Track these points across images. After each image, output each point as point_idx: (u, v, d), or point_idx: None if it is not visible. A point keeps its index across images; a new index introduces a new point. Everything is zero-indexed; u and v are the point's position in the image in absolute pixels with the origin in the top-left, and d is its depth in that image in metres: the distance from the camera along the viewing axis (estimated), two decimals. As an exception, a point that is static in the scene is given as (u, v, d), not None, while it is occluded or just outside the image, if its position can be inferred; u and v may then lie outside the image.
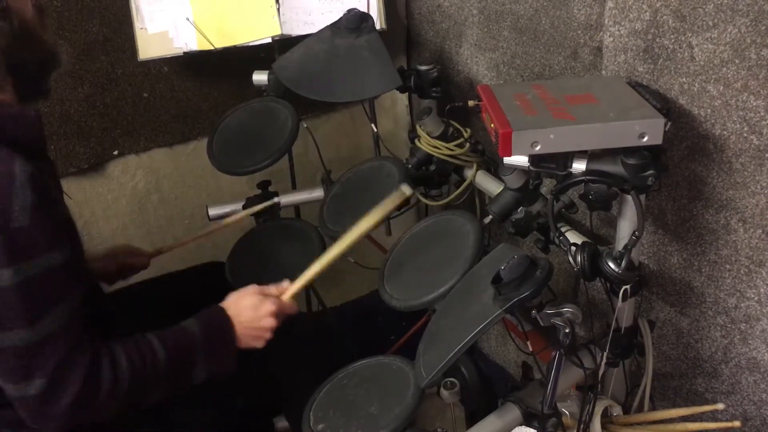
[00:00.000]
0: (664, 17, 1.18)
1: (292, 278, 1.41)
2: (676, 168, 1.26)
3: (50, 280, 1.01)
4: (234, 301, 1.23)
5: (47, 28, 1.13)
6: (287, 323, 1.26)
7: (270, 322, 1.21)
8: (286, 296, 1.27)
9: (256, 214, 1.76)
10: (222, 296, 1.28)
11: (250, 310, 1.21)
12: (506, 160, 1.14)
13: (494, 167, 1.60)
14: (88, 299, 1.12)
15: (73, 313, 1.03)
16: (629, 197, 1.14)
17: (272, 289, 1.27)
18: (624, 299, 1.17)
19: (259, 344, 1.22)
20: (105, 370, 1.05)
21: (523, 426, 1.19)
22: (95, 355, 1.05)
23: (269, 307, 1.22)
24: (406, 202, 1.37)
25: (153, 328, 1.17)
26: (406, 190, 1.32)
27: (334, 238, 1.56)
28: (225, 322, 1.20)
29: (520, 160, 1.14)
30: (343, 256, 1.32)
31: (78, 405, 1.02)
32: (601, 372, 1.24)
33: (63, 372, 1.01)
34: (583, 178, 1.13)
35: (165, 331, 1.14)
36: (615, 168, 1.12)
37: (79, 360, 1.03)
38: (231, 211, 1.78)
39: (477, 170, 1.60)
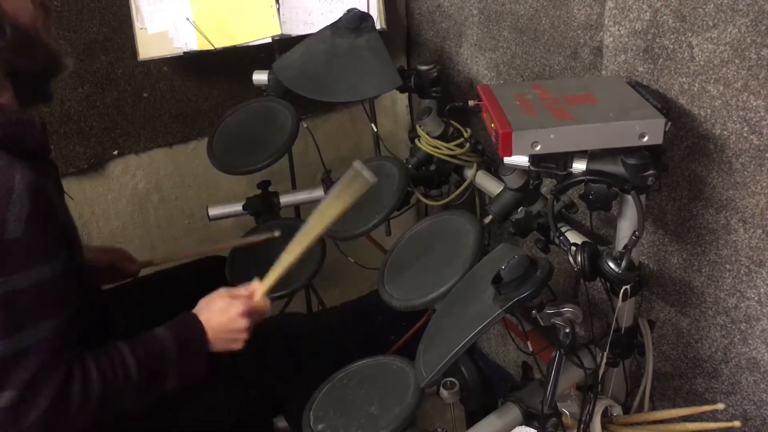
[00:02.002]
0: (664, 17, 1.18)
1: (291, 279, 1.41)
2: (676, 168, 1.26)
3: (38, 294, 0.99)
4: (204, 306, 1.21)
5: (50, 32, 1.11)
6: (269, 323, 1.25)
7: (242, 323, 1.19)
8: (257, 295, 1.24)
9: (256, 214, 1.76)
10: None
11: (221, 313, 1.19)
12: (506, 160, 1.14)
13: (494, 167, 1.60)
14: (86, 303, 1.12)
15: (58, 328, 1.01)
16: (629, 197, 1.14)
17: (241, 290, 1.24)
18: (624, 299, 1.18)
19: (237, 346, 1.20)
20: (76, 385, 1.02)
21: (523, 426, 1.19)
22: (68, 371, 1.02)
23: (239, 307, 1.19)
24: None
25: (152, 323, 1.16)
26: (369, 177, 1.23)
27: (334, 238, 1.56)
28: (197, 329, 1.18)
29: (520, 160, 1.14)
30: (308, 250, 1.28)
31: (47, 420, 1.00)
32: (601, 372, 1.24)
33: (34, 387, 0.99)
34: (583, 178, 1.13)
35: (136, 341, 1.12)
36: (615, 168, 1.12)
37: (52, 376, 1.00)
38: (231, 211, 1.78)
39: (477, 170, 1.60)
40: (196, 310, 1.21)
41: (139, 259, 1.52)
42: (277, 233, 1.52)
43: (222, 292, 1.22)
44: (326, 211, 1.26)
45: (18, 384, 0.98)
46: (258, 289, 1.25)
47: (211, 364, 1.19)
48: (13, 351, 0.97)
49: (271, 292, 1.26)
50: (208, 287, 1.28)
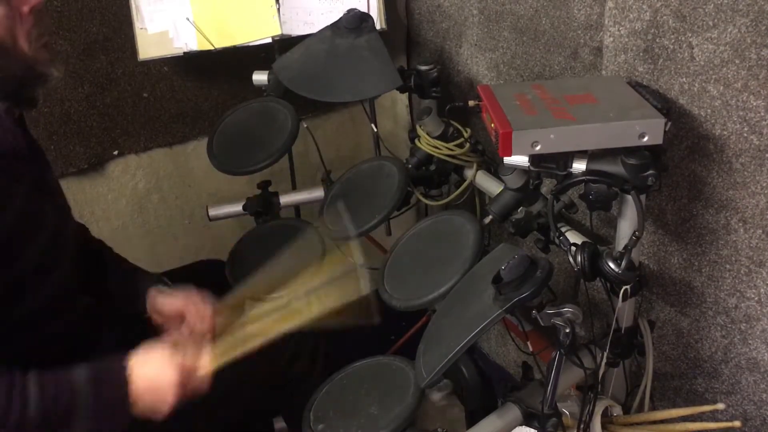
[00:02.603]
0: (664, 17, 1.18)
1: (291, 281, 1.40)
2: (676, 168, 1.26)
3: None
4: (140, 359, 1.06)
5: (37, 41, 1.05)
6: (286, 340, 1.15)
7: (170, 395, 1.05)
8: (201, 371, 1.09)
9: (256, 214, 1.76)
10: (220, 294, 1.27)
11: (153, 374, 1.05)
12: (506, 160, 1.14)
13: (494, 167, 1.60)
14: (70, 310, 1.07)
15: None
16: (629, 197, 1.14)
17: (187, 354, 1.09)
18: (624, 299, 1.17)
19: (157, 415, 1.05)
20: None
21: (523, 426, 1.19)
22: None
23: (173, 376, 1.05)
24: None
25: (149, 327, 1.15)
26: (363, 287, 1.14)
27: (334, 238, 1.56)
28: (120, 383, 1.03)
29: (520, 160, 1.14)
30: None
31: None
32: (601, 372, 1.24)
33: None
34: (583, 178, 1.13)
35: (46, 377, 0.99)
36: (615, 168, 1.12)
37: None
38: (231, 211, 1.78)
39: (477, 170, 1.60)
40: (129, 361, 1.06)
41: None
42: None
43: (164, 351, 1.08)
44: (313, 303, 1.16)
45: None
46: (205, 366, 1.11)
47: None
48: None
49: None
50: (206, 289, 1.28)
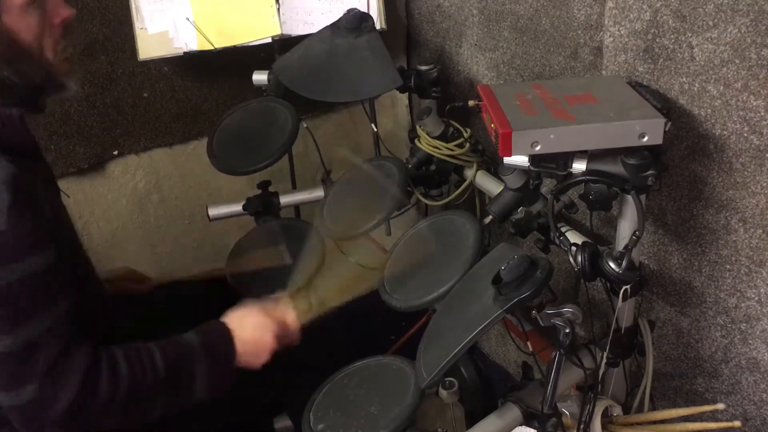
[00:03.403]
0: (664, 17, 1.18)
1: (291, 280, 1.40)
2: (676, 168, 1.26)
3: (32, 286, 0.98)
4: (237, 317, 1.21)
5: (62, 52, 1.10)
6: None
7: (271, 343, 1.20)
8: (290, 320, 1.25)
9: (256, 214, 1.76)
10: (224, 298, 1.27)
11: (253, 329, 1.19)
12: (506, 160, 1.14)
13: (494, 167, 1.60)
14: (87, 303, 1.11)
15: (60, 317, 1.01)
16: (629, 197, 1.14)
17: (275, 309, 1.24)
18: (624, 299, 1.17)
19: (257, 363, 1.20)
20: (103, 375, 1.03)
21: (523, 426, 1.19)
22: (93, 360, 1.02)
23: (273, 329, 1.20)
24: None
25: (155, 328, 1.16)
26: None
27: (334, 238, 1.56)
28: (226, 338, 1.18)
29: (520, 160, 1.14)
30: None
31: (74, 411, 1.00)
32: (601, 372, 1.24)
33: (55, 377, 0.99)
34: (583, 178, 1.13)
35: (166, 342, 1.12)
36: (615, 168, 1.12)
37: (75, 364, 1.01)
38: (231, 211, 1.77)
39: (477, 170, 1.60)
40: (227, 320, 1.20)
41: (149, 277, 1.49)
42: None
43: (256, 308, 1.23)
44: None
45: (38, 375, 0.98)
46: (293, 319, 1.25)
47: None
48: (21, 345, 0.97)
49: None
50: (212, 291, 1.28)
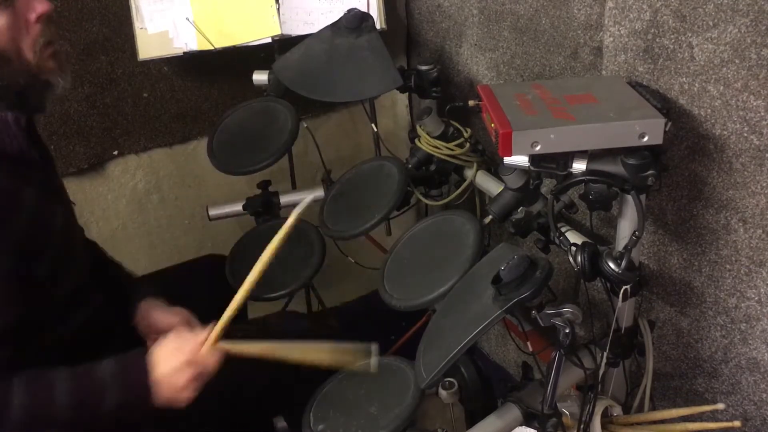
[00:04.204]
0: (664, 17, 1.18)
1: (291, 280, 1.40)
2: (676, 168, 1.26)
3: None
4: (155, 351, 1.12)
5: (35, 51, 1.04)
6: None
7: (185, 375, 1.09)
8: (204, 348, 1.13)
9: (256, 214, 1.76)
10: (221, 289, 1.26)
11: (167, 358, 1.10)
12: (506, 160, 1.14)
13: (494, 167, 1.60)
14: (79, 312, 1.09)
15: None
16: (629, 197, 1.14)
17: (192, 336, 1.14)
18: (624, 299, 1.17)
19: (181, 400, 1.10)
20: None
21: (523, 426, 1.19)
22: None
23: (184, 356, 1.10)
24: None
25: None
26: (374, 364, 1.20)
27: (334, 238, 1.56)
28: (142, 369, 1.09)
29: (520, 160, 1.14)
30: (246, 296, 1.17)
31: None
32: (601, 372, 1.24)
33: None
34: (583, 178, 1.13)
35: (75, 372, 1.05)
36: (615, 168, 1.12)
37: None
38: (231, 211, 1.78)
39: (477, 170, 1.60)
40: (148, 357, 1.11)
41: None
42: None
43: (171, 335, 1.14)
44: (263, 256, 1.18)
45: None
46: (206, 339, 1.14)
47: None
48: None
49: (223, 338, 1.15)
50: (208, 287, 1.28)
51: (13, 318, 1.03)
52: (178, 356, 1.10)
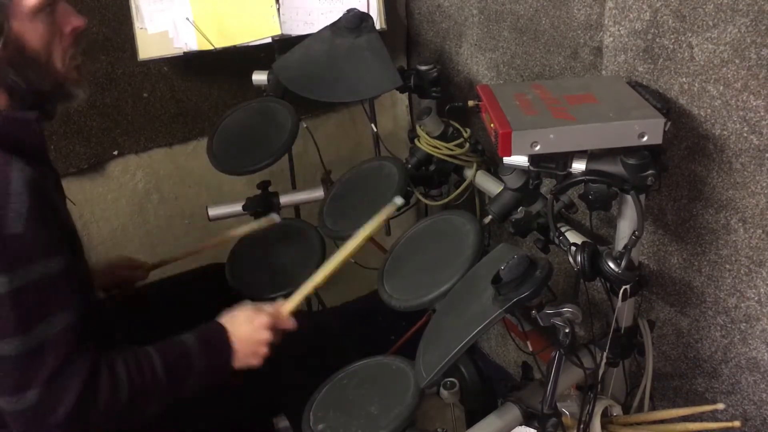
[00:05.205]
0: (664, 17, 1.18)
1: (292, 279, 1.40)
2: (676, 168, 1.26)
3: (45, 289, 0.99)
4: (229, 316, 1.22)
5: (71, 61, 1.10)
6: (285, 339, 1.25)
7: (264, 335, 1.20)
8: (283, 313, 1.26)
9: (256, 214, 1.76)
10: (224, 299, 1.27)
11: (245, 323, 1.20)
12: (506, 160, 1.14)
13: (494, 167, 1.60)
14: (89, 308, 1.11)
15: (69, 322, 1.01)
16: (629, 197, 1.14)
17: (267, 306, 1.26)
18: (624, 299, 1.18)
19: (256, 360, 1.21)
20: (103, 381, 1.03)
21: (523, 426, 1.19)
22: (94, 366, 1.03)
23: (264, 319, 1.21)
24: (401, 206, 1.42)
25: (154, 332, 1.16)
26: (398, 201, 1.37)
27: (334, 238, 1.56)
28: (222, 337, 1.19)
29: (520, 160, 1.14)
30: (339, 269, 1.32)
31: (73, 418, 1.00)
32: (601, 372, 1.24)
33: (58, 382, 0.99)
34: (583, 178, 1.13)
35: (163, 345, 1.13)
36: (615, 168, 1.12)
37: (76, 370, 1.01)
38: (231, 211, 1.77)
39: (477, 170, 1.60)
40: (222, 321, 1.21)
41: (144, 261, 1.51)
42: (277, 219, 1.56)
43: (246, 304, 1.24)
44: (359, 236, 1.32)
45: (40, 381, 0.98)
46: (284, 307, 1.27)
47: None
48: (28, 348, 0.97)
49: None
50: (209, 294, 1.28)
51: (86, 305, 1.08)
52: (254, 320, 1.21)
